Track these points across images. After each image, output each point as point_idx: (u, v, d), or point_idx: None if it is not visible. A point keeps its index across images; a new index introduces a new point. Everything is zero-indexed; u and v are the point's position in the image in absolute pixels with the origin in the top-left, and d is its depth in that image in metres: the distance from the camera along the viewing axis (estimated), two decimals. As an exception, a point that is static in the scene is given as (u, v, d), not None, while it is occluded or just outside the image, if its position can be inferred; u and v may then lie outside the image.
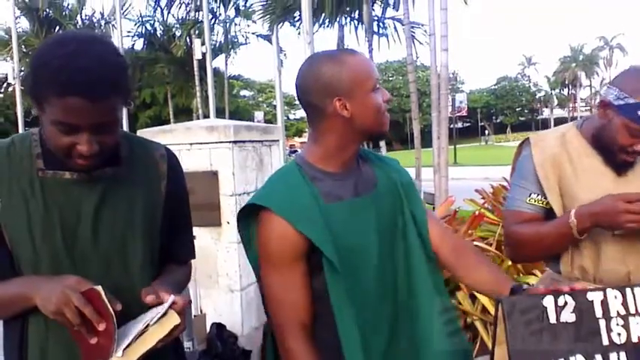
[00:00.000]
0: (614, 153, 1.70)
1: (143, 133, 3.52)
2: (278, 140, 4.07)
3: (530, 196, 1.81)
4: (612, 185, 1.73)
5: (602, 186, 1.73)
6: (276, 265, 1.41)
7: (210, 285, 3.43)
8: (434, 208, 6.71)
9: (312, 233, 1.37)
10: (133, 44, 30.93)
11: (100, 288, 1.16)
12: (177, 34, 30.04)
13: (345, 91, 1.42)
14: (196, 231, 3.34)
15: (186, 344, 2.39)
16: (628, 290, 1.45)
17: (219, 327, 3.27)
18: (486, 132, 73.10)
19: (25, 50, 30.30)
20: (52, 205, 1.28)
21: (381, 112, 1.46)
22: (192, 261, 1.63)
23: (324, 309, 1.42)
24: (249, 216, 1.47)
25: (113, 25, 29.43)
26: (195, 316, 3.14)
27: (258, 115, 35.81)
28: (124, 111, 9.09)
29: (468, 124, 75.94)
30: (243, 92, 54.27)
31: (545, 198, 1.79)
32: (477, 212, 5.27)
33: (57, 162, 1.28)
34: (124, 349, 1.17)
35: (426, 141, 10.43)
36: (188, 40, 27.79)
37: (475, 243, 4.43)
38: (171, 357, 1.46)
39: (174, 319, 1.22)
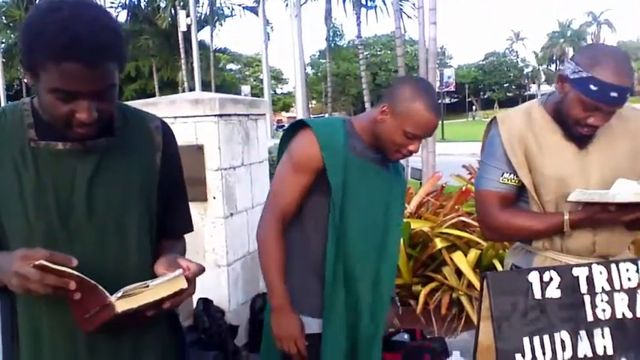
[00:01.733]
0: (570, 126, 1.72)
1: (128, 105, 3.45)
2: (264, 114, 4.02)
3: (502, 175, 1.82)
4: (574, 159, 1.76)
5: (565, 160, 1.76)
6: (290, 165, 1.79)
7: (196, 260, 3.39)
8: (421, 183, 6.73)
9: (329, 163, 1.74)
10: (117, 15, 30.39)
11: (41, 261, 1.10)
12: (162, 5, 29.55)
13: (395, 111, 1.75)
14: (182, 206, 3.31)
15: (172, 320, 2.38)
16: (613, 266, 1.46)
17: (205, 302, 3.26)
18: (474, 107, 73.18)
19: (5, 22, 29.69)
20: (45, 176, 1.25)
21: (395, 147, 1.78)
22: None
23: (313, 228, 1.81)
24: (291, 134, 1.87)
25: (96, -4, 28.78)
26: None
27: (245, 89, 35.49)
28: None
29: (455, 100, 75.92)
30: (229, 66, 53.72)
31: (517, 176, 1.80)
32: (463, 188, 5.29)
33: (49, 132, 1.25)
34: (125, 294, 1.16)
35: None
36: (173, 11, 27.35)
37: (461, 218, 4.46)
38: (166, 330, 1.46)
39: (181, 283, 1.22)
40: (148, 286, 1.19)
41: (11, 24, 30.76)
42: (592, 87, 1.61)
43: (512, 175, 1.81)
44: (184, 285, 1.22)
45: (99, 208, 1.29)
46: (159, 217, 1.42)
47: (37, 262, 1.09)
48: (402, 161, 2.03)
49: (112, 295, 1.17)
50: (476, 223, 4.41)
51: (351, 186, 1.78)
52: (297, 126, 1.86)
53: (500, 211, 1.82)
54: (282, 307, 1.78)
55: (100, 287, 1.16)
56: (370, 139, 1.83)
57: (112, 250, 1.30)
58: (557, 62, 77.07)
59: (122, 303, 1.16)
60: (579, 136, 1.73)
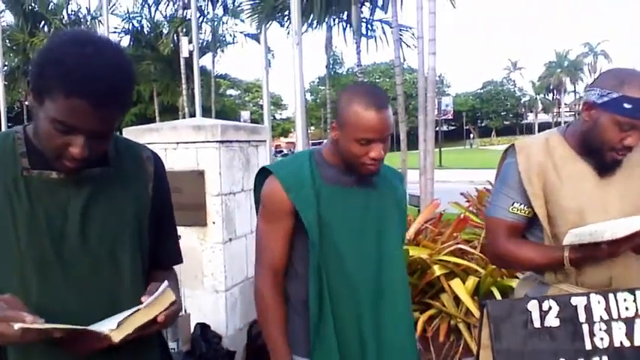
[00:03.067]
0: (603, 154, 1.69)
1: (129, 131, 3.49)
2: (265, 140, 4.06)
3: (513, 205, 1.82)
4: (594, 190, 1.74)
5: (585, 191, 1.73)
6: (265, 217, 1.74)
7: (195, 285, 3.41)
8: (419, 210, 6.74)
9: (297, 202, 1.67)
10: (120, 41, 30.66)
11: (21, 325, 1.06)
12: (165, 31, 29.85)
13: (339, 124, 1.70)
14: (182, 231, 3.31)
15: (171, 344, 2.37)
16: (611, 295, 1.48)
17: (203, 327, 3.25)
18: (471, 135, 73.51)
19: (9, 45, 29.90)
20: (38, 206, 1.24)
21: (359, 160, 1.66)
22: None
23: (303, 267, 1.73)
24: (261, 181, 1.79)
25: (100, 21, 29.13)
26: (179, 315, 3.12)
27: (245, 114, 35.69)
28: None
29: (453, 127, 76.35)
30: (229, 91, 54.03)
31: (527, 207, 1.80)
32: (462, 215, 5.31)
33: (42, 161, 1.25)
34: (119, 322, 1.15)
35: (412, 143, 10.48)
36: (175, 37, 27.63)
37: (460, 246, 4.46)
38: (158, 357, 1.45)
39: (169, 296, 1.23)
40: (139, 310, 1.19)
41: (14, 47, 31.00)
42: (626, 105, 1.60)
43: (522, 206, 1.80)
44: (173, 298, 1.24)
45: (92, 237, 1.28)
46: (150, 246, 1.41)
47: (17, 327, 1.05)
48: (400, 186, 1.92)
49: (104, 324, 1.16)
50: (474, 251, 4.43)
51: (330, 218, 1.69)
52: (263, 174, 1.81)
53: (506, 241, 1.82)
54: None
55: (92, 328, 1.15)
56: (339, 161, 1.74)
57: (105, 278, 1.29)
58: (554, 92, 77.75)
59: (118, 333, 1.15)
60: (611, 163, 1.71)
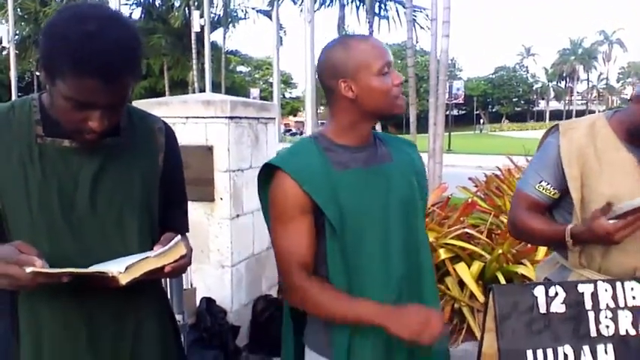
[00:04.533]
0: None
1: (139, 104, 3.48)
2: (274, 118, 4.05)
3: (540, 182, 1.82)
4: (634, 180, 1.72)
5: (623, 180, 1.72)
6: (282, 218, 1.50)
7: (201, 260, 3.43)
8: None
9: (316, 195, 1.46)
10: (131, 13, 30.54)
11: (33, 269, 1.13)
12: (176, 4, 29.69)
13: (350, 74, 1.49)
14: (190, 205, 3.32)
15: (177, 317, 2.39)
16: (618, 284, 1.47)
17: (208, 301, 3.28)
18: (481, 121, 73.10)
19: (20, 14, 29.85)
20: (50, 173, 1.27)
21: (389, 95, 1.51)
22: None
23: (325, 270, 1.50)
24: (267, 179, 1.56)
25: (111, -7, 28.94)
26: (185, 289, 3.15)
27: (254, 91, 35.53)
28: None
29: (463, 112, 75.87)
30: (239, 68, 53.86)
31: (554, 188, 1.80)
32: (469, 200, 5.30)
33: (56, 129, 1.27)
34: (127, 266, 1.19)
35: (421, 126, 10.43)
36: (187, 11, 27.48)
37: (466, 230, 4.46)
38: (165, 327, 1.48)
39: (179, 250, 1.27)
40: (148, 257, 1.23)
41: (26, 16, 30.96)
42: None
43: (549, 186, 1.81)
44: (183, 251, 1.28)
45: (101, 205, 1.31)
46: (159, 214, 1.44)
47: (28, 270, 1.10)
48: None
49: (113, 265, 1.20)
50: (481, 236, 4.43)
51: (352, 208, 1.50)
52: (267, 171, 1.56)
53: (523, 211, 1.85)
54: (380, 314, 1.41)
55: (100, 269, 1.18)
56: (346, 135, 1.56)
57: (113, 245, 1.31)
58: (567, 79, 77.00)
59: (125, 275, 1.19)
60: None
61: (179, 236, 1.31)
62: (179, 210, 1.57)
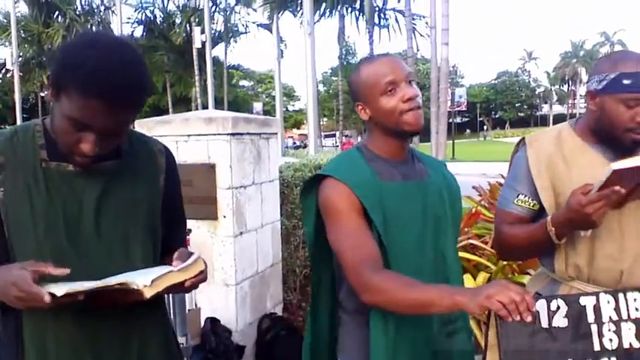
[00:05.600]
0: (620, 138, 1.67)
1: (142, 123, 3.50)
2: (276, 133, 4.06)
3: (518, 197, 1.82)
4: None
5: (594, 181, 1.72)
6: (341, 216, 1.51)
7: (205, 279, 3.42)
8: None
9: (365, 199, 1.50)
10: (133, 31, 30.81)
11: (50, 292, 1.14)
12: (177, 21, 29.91)
13: (362, 97, 1.61)
14: (192, 224, 3.34)
15: (180, 339, 2.39)
16: (620, 295, 1.46)
17: (213, 322, 3.27)
18: (485, 127, 73.05)
19: (23, 35, 30.12)
20: (55, 197, 1.29)
21: (394, 114, 1.55)
22: None
23: None
24: (311, 188, 1.62)
25: (113, 11, 29.28)
26: (189, 310, 3.14)
27: (257, 105, 35.72)
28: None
29: (466, 119, 75.85)
30: (242, 82, 54.10)
31: (533, 199, 1.80)
32: (473, 210, 5.27)
33: (60, 153, 1.30)
34: (153, 280, 1.21)
35: (424, 135, 10.42)
36: (188, 27, 27.68)
37: (471, 241, 4.44)
38: (167, 346, 1.49)
39: (199, 265, 1.32)
40: (171, 272, 1.26)
41: (29, 38, 31.24)
42: (625, 81, 1.60)
43: (527, 198, 1.81)
44: (202, 267, 1.33)
45: (106, 227, 1.33)
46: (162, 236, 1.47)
47: (60, 294, 1.12)
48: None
49: (136, 278, 1.22)
50: (485, 246, 4.40)
51: (393, 218, 1.53)
52: (316, 180, 1.60)
53: (506, 226, 1.83)
54: (457, 294, 1.32)
55: (126, 281, 1.20)
56: (382, 149, 1.62)
57: (119, 267, 1.32)
58: (570, 82, 76.90)
59: (150, 289, 1.21)
60: (631, 145, 1.67)
61: (198, 253, 1.35)
62: (179, 229, 1.62)
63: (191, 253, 1.37)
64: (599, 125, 1.72)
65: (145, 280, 1.20)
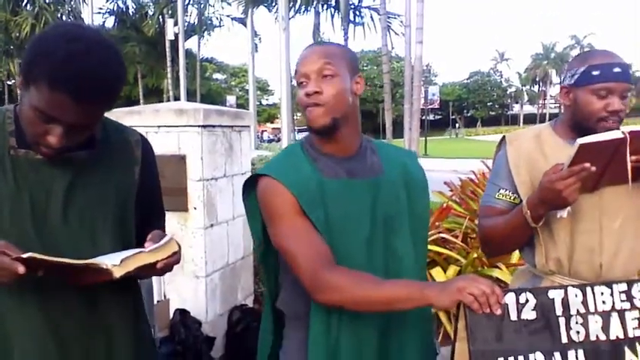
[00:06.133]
0: (595, 128, 1.69)
1: (111, 113, 3.43)
2: (249, 126, 4.03)
3: (499, 191, 1.86)
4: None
5: None
6: (283, 217, 1.44)
7: (175, 271, 3.35)
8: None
9: (303, 199, 1.43)
10: (104, 21, 30.29)
11: (30, 254, 1.12)
12: (150, 12, 29.49)
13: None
14: (162, 215, 3.29)
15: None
16: (588, 289, 1.48)
17: (182, 313, 3.23)
18: (457, 125, 73.80)
19: (-10, 23, 29.33)
20: (23, 185, 1.26)
21: (302, 107, 1.49)
22: None
23: None
24: (252, 188, 1.54)
25: (84, 1, 28.70)
26: (158, 301, 3.10)
27: (231, 99, 35.47)
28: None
29: (439, 117, 76.54)
30: (215, 75, 53.68)
31: (514, 193, 1.83)
32: (444, 204, 5.32)
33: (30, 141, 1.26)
34: (122, 259, 1.20)
35: (398, 131, 10.48)
36: (160, 19, 27.31)
37: (442, 235, 4.48)
38: (138, 334, 1.46)
39: (172, 247, 1.31)
40: (142, 252, 1.25)
41: (-4, 26, 30.44)
42: (594, 73, 1.67)
43: (508, 192, 1.84)
44: (175, 248, 1.32)
45: (74, 218, 1.30)
46: (136, 229, 1.43)
47: (25, 256, 1.09)
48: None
49: (107, 259, 1.21)
50: (456, 240, 4.45)
51: (337, 217, 1.46)
52: (254, 180, 1.53)
53: (486, 220, 1.86)
54: (426, 289, 1.31)
55: (95, 262, 1.19)
56: (325, 144, 1.53)
57: (85, 258, 1.28)
58: (540, 83, 78.23)
59: (120, 269, 1.20)
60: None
61: (171, 233, 1.33)
62: (158, 222, 1.57)
63: (164, 235, 1.35)
64: (575, 119, 1.76)
65: (114, 260, 1.19)
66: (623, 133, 1.51)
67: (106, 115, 1.36)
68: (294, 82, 1.56)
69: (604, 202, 1.74)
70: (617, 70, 1.66)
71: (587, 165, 1.51)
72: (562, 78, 1.78)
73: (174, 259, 1.32)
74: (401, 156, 1.67)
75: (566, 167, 1.54)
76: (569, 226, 1.75)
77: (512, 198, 1.84)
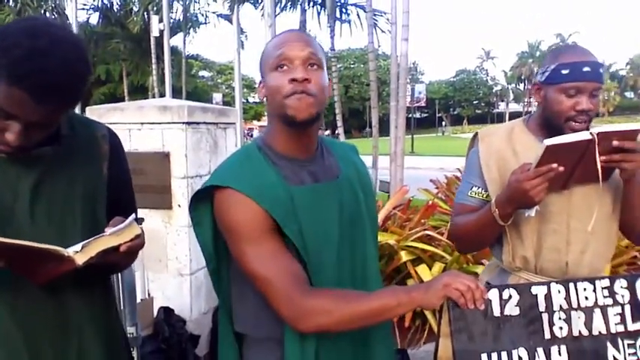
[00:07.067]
0: (563, 127, 1.69)
1: (93, 110, 3.39)
2: (234, 123, 4.00)
3: (472, 189, 1.85)
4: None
5: None
6: (251, 236, 1.30)
7: (159, 269, 3.36)
8: (389, 196, 6.76)
9: (277, 214, 1.30)
10: (88, 18, 29.99)
11: None
12: (135, 9, 29.23)
13: (262, 73, 1.40)
14: (146, 213, 3.25)
15: (130, 329, 2.32)
16: (571, 285, 1.48)
17: (166, 311, 3.20)
18: (443, 123, 74.16)
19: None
20: None
21: (279, 93, 1.32)
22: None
23: None
24: (201, 198, 1.38)
25: (68, -3, 28.31)
26: (142, 299, 3.07)
27: (217, 96, 35.26)
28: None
29: (426, 115, 76.80)
30: (202, 73, 53.40)
31: (486, 191, 1.82)
32: (430, 202, 5.34)
33: None
34: (83, 245, 1.17)
35: (385, 129, 10.48)
36: (145, 16, 27.08)
37: (427, 232, 4.49)
38: (109, 343, 1.42)
39: (134, 229, 1.26)
40: (102, 236, 1.22)
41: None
42: (563, 71, 1.66)
43: (480, 190, 1.83)
44: (138, 231, 1.27)
45: (41, 217, 1.27)
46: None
47: None
48: (371, 173, 1.79)
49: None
50: (441, 237, 4.46)
51: (308, 227, 1.35)
52: (210, 191, 1.36)
53: (459, 217, 1.86)
54: (412, 292, 1.27)
55: (55, 248, 1.15)
56: (284, 145, 1.40)
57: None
58: (526, 82, 78.76)
59: (81, 255, 1.17)
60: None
61: (133, 216, 1.28)
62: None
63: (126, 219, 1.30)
64: (545, 117, 1.76)
65: (75, 247, 1.16)
66: (591, 134, 1.51)
67: (88, 112, 1.32)
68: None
69: (573, 202, 1.74)
70: (586, 69, 1.64)
71: (555, 166, 1.50)
72: (535, 74, 1.78)
73: (138, 241, 1.27)
74: (347, 152, 1.59)
75: (533, 167, 1.54)
76: (536, 225, 1.76)
77: (484, 195, 1.83)
